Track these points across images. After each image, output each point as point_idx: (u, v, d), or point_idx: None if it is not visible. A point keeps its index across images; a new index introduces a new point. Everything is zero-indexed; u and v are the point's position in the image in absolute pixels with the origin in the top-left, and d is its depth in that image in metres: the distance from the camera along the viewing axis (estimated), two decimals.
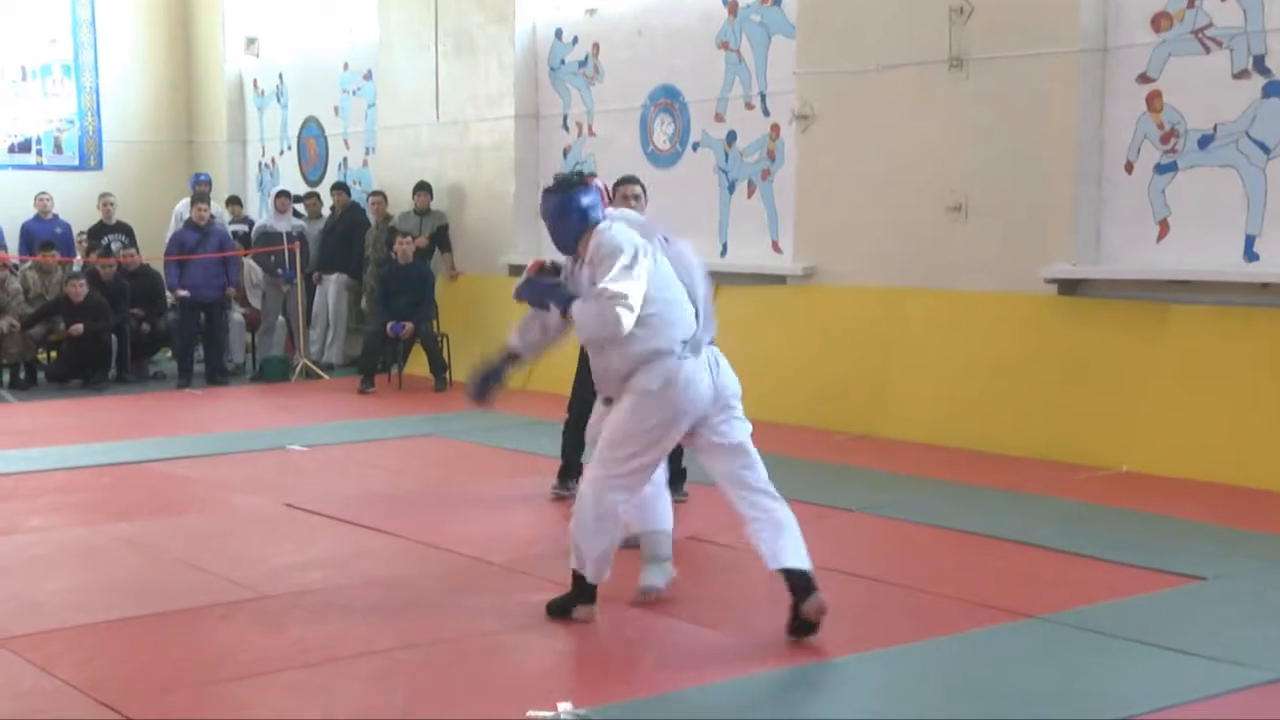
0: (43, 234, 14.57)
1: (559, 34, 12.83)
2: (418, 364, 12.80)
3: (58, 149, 16.57)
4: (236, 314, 14.19)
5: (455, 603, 5.74)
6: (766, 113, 11.04)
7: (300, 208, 14.90)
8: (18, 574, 6.27)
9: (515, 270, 13.15)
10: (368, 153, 15.24)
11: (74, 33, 16.66)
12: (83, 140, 16.72)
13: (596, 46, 12.48)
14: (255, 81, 17.00)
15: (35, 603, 5.75)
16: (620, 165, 12.24)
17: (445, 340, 12.60)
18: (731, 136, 11.34)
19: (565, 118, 12.85)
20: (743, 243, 11.31)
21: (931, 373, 9.51)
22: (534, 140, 13.11)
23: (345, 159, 15.62)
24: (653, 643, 5.14)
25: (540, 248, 13.11)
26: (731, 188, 11.38)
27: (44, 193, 15.15)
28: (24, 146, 16.37)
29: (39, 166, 16.33)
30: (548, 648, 5.15)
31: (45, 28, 16.46)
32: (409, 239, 12.79)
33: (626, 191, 7.36)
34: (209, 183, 15.35)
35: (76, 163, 16.63)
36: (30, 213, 15.08)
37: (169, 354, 14.09)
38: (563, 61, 12.83)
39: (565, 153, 12.85)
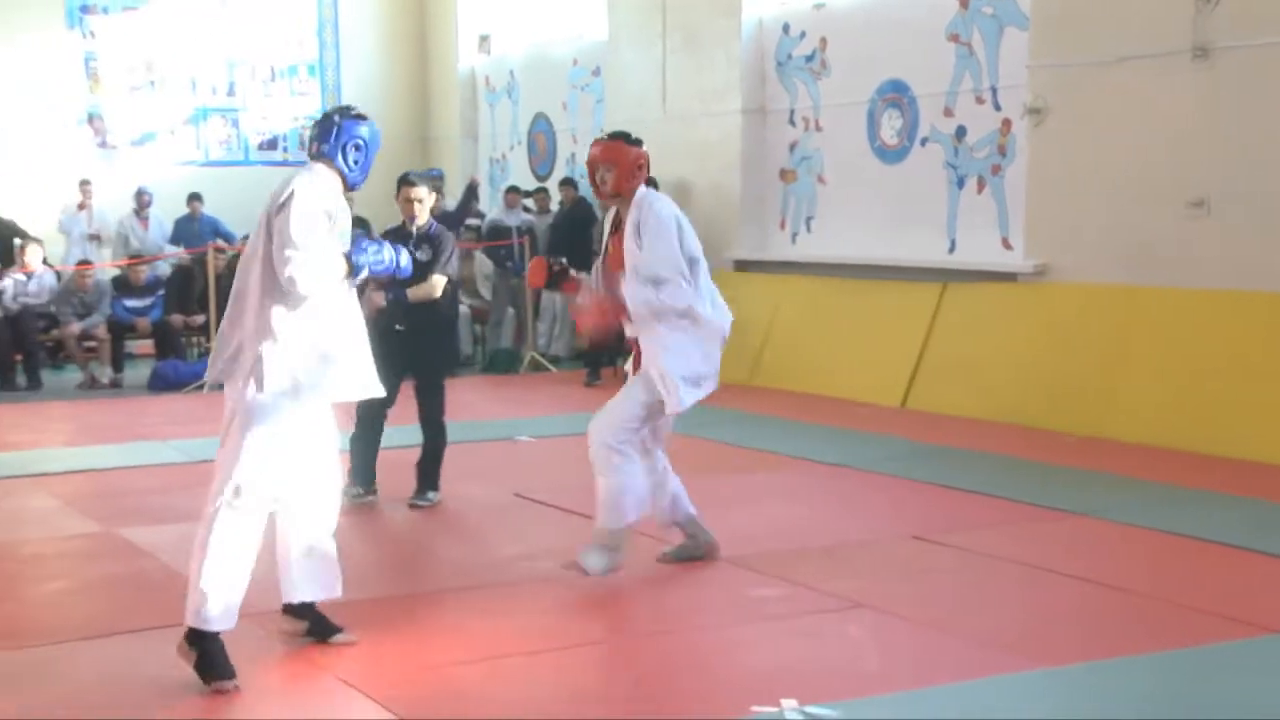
0: None
1: (786, 28, 12.78)
2: None
3: (302, 145, 17.25)
4: (463, 306, 14.53)
5: (678, 596, 5.79)
6: (998, 107, 10.80)
7: (530, 203, 15.19)
8: (263, 554, 6.53)
9: (740, 265, 13.18)
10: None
11: (319, 34, 17.32)
12: None
13: (824, 40, 12.40)
14: (487, 79, 17.38)
15: (277, 582, 5.99)
16: (846, 160, 12.19)
17: None
18: (961, 131, 11.13)
19: (791, 113, 12.80)
20: (971, 239, 11.10)
21: (1167, 374, 9.18)
22: (760, 135, 13.09)
23: (574, 154, 15.85)
24: (878, 642, 5.09)
25: (765, 244, 13.12)
26: (960, 183, 11.18)
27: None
28: (271, 144, 17.11)
29: (284, 163, 17.00)
30: (772, 644, 5.14)
31: (293, 30, 17.15)
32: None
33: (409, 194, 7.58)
34: (442, 178, 15.76)
35: None
36: None
37: None
38: (790, 56, 12.78)
39: (791, 148, 12.80)
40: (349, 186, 4.99)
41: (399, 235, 7.59)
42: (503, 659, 4.90)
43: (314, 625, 5.04)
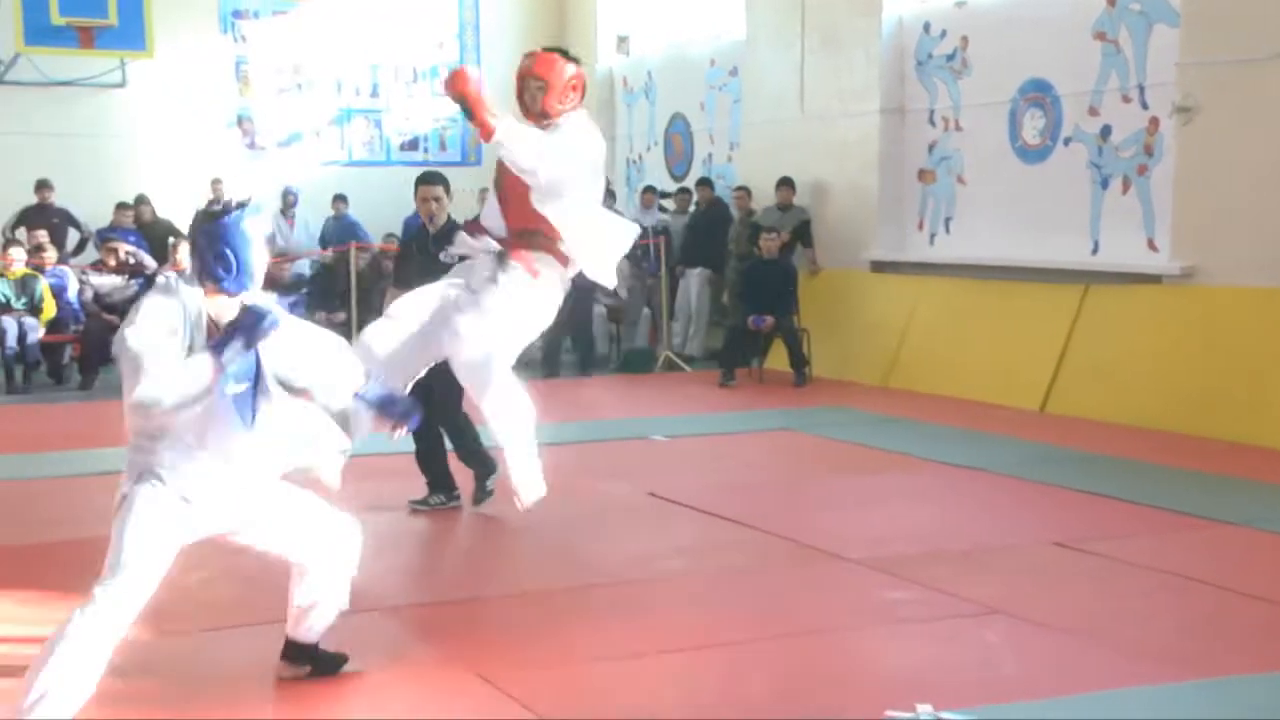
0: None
1: (927, 27, 12.65)
2: (778, 358, 12.88)
3: (442, 146, 17.52)
4: (599, 306, 14.63)
5: (812, 597, 5.77)
6: (1145, 105, 10.57)
7: (667, 203, 15.24)
8: (401, 547, 6.68)
9: (877, 266, 13.09)
10: (732, 148, 15.43)
11: (460, 36, 17.56)
12: (464, 138, 17.58)
13: (965, 39, 12.24)
14: (625, 79, 17.46)
15: (415, 575, 6.12)
16: (987, 161, 12.03)
17: (806, 335, 12.63)
18: (1106, 130, 10.92)
19: (931, 112, 12.66)
20: (1115, 241, 10.87)
21: None
22: (899, 135, 12.97)
23: (710, 154, 15.86)
24: (1015, 648, 5.03)
25: (903, 245, 13.00)
26: (1105, 184, 10.96)
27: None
28: (412, 144, 17.39)
29: (424, 163, 17.23)
30: (906, 648, 5.10)
31: (434, 32, 17.41)
32: (774, 234, 12.89)
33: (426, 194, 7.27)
34: None
35: (459, 159, 17.51)
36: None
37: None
38: (930, 55, 12.64)
39: (930, 148, 12.67)
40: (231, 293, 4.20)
41: (420, 236, 7.47)
42: (639, 657, 4.93)
43: (316, 666, 4.76)
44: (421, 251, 7.20)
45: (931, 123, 12.67)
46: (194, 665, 4.95)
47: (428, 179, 7.44)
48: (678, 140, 16.49)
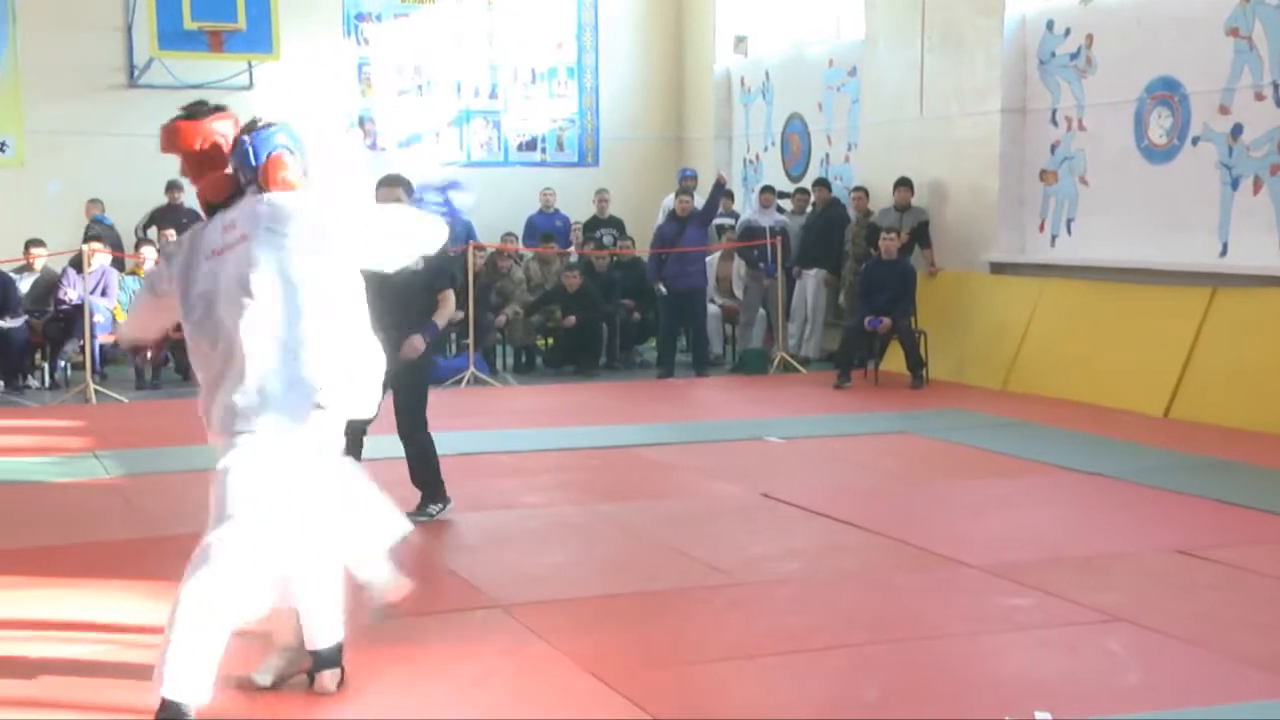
0: (544, 227, 15.67)
1: (1050, 25, 12.45)
2: (894, 360, 12.78)
3: (559, 147, 17.63)
4: (714, 306, 14.63)
5: (929, 602, 5.71)
6: (1279, 103, 10.31)
7: (785, 203, 15.19)
8: (517, 546, 6.73)
9: (996, 267, 12.92)
10: (849, 148, 15.33)
11: (578, 37, 17.66)
12: (581, 138, 17.68)
13: (1090, 37, 12.03)
14: (742, 79, 17.43)
15: (532, 574, 6.15)
16: (1111, 161, 11.82)
17: (923, 337, 12.51)
18: (1237, 130, 10.66)
19: (1054, 112, 12.46)
20: (1245, 242, 10.61)
21: None
22: (1019, 135, 12.78)
23: (827, 154, 15.77)
24: (1138, 659, 4.93)
25: (1023, 246, 12.82)
26: (1235, 184, 10.70)
27: (548, 188, 16.27)
28: (530, 145, 17.51)
29: (542, 164, 17.42)
30: (1025, 655, 5.03)
31: (553, 33, 17.53)
32: (894, 235, 12.78)
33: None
34: (695, 178, 15.90)
35: (575, 159, 17.62)
36: (535, 207, 16.22)
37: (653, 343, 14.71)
38: (1053, 54, 12.44)
39: (1053, 148, 12.47)
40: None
41: None
42: (754, 659, 4.92)
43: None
44: None
45: (1054, 122, 12.47)
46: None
47: (385, 181, 6.92)
48: (795, 140, 16.42)
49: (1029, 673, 4.84)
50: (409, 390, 7.04)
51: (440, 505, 7.20)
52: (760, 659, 4.93)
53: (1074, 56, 12.21)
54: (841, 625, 5.34)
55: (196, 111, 4.63)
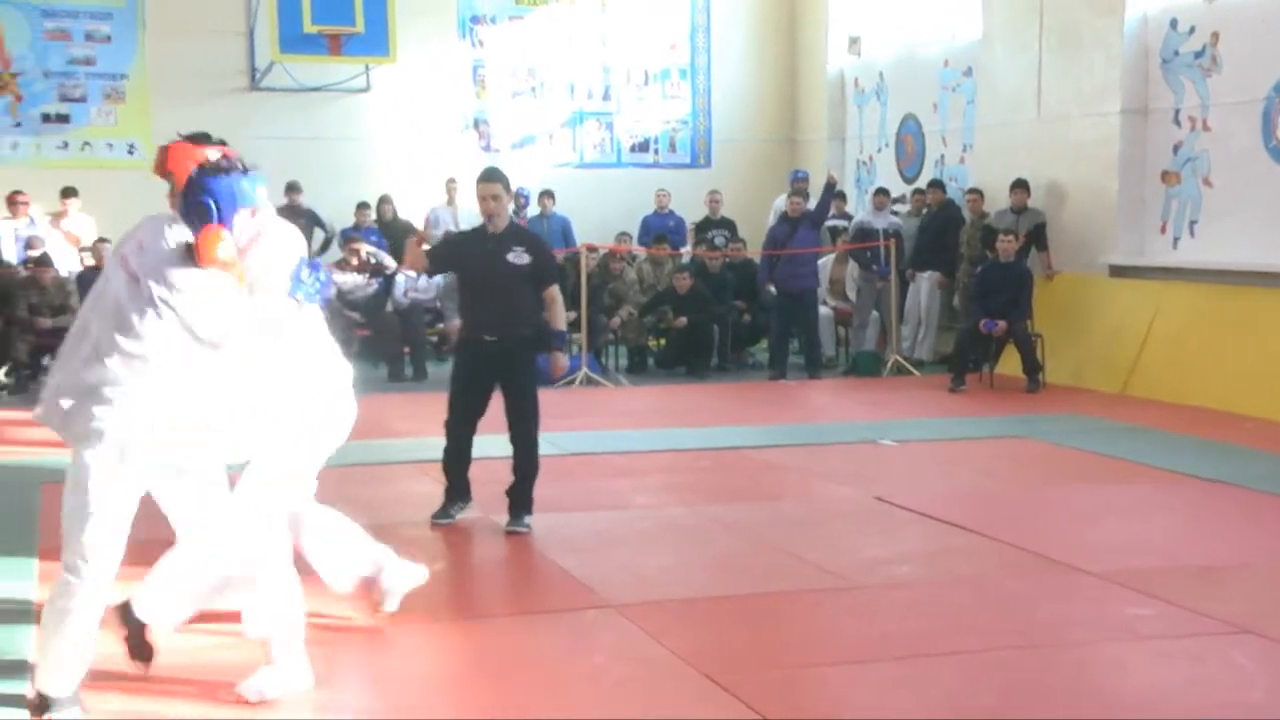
0: (659, 227, 15.68)
1: (1174, 24, 12.20)
2: (1009, 363, 12.61)
3: (672, 148, 17.64)
4: (826, 308, 14.54)
5: (1046, 609, 5.62)
6: None
7: (900, 206, 15.06)
8: (628, 546, 6.74)
9: (1116, 270, 12.69)
10: (965, 150, 15.16)
11: (691, 38, 17.66)
12: (694, 139, 17.68)
13: (1215, 35, 11.77)
14: (856, 80, 17.31)
15: (643, 574, 6.16)
16: (1236, 161, 11.55)
17: (1039, 340, 12.33)
18: None
19: (1177, 112, 12.20)
20: None
21: None
22: (1141, 136, 12.54)
23: (942, 156, 15.61)
24: (1265, 671, 4.81)
25: (1144, 249, 12.58)
26: None
27: (663, 189, 16.28)
28: (643, 146, 17.54)
29: (654, 165, 17.44)
30: (1147, 665, 4.93)
31: (666, 34, 17.55)
32: (1012, 237, 12.61)
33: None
34: (806, 179, 15.83)
35: (688, 161, 17.63)
36: (647, 208, 16.24)
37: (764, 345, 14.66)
38: (1176, 53, 12.19)
39: (1175, 149, 12.21)
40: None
41: (477, 238, 7.03)
42: (867, 663, 4.89)
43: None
44: (481, 252, 6.90)
45: (1176, 123, 12.21)
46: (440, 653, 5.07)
47: (485, 176, 6.97)
48: (909, 142, 16.27)
49: (1152, 683, 4.75)
50: (522, 395, 6.92)
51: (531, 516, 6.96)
52: (874, 664, 4.89)
53: (1198, 55, 11.95)
54: (957, 631, 5.28)
55: (195, 138, 4.63)
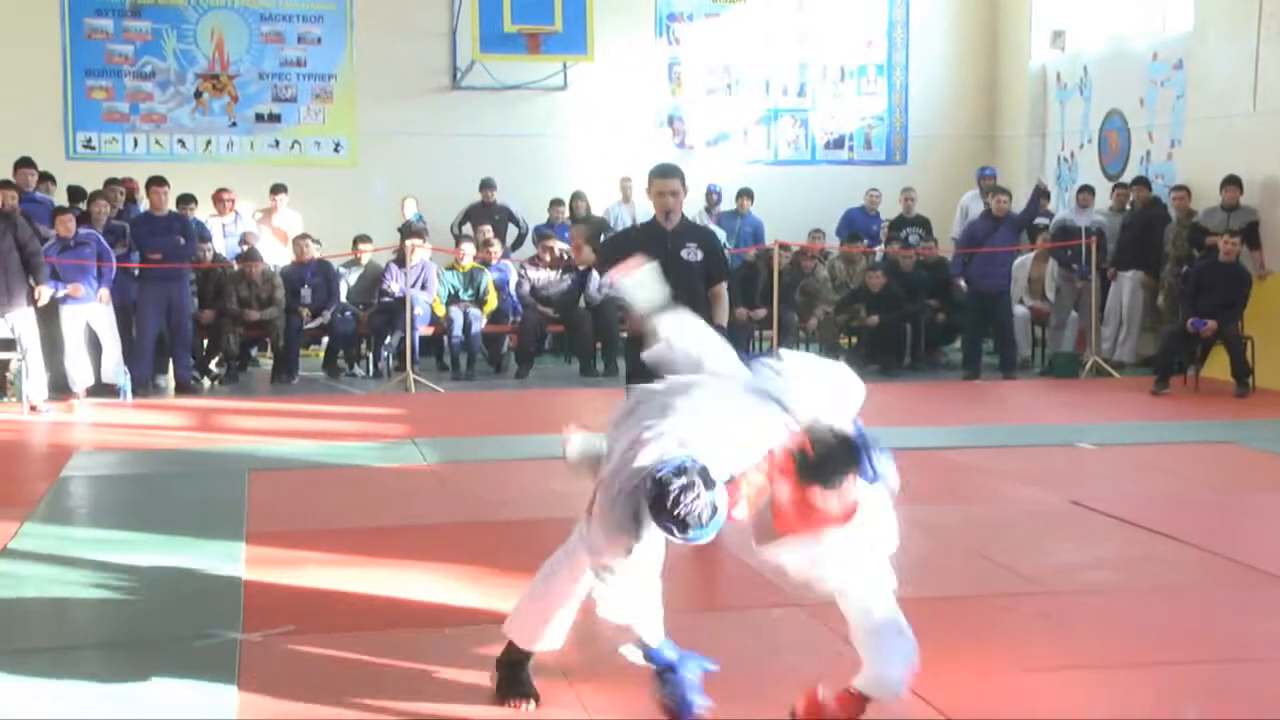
0: (863, 225, 15.53)
1: None
2: (1215, 366, 12.17)
3: (867, 145, 17.46)
4: (1022, 308, 14.23)
5: (1254, 621, 5.41)
6: None
7: (1101, 205, 14.67)
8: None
9: None
10: (1172, 145, 14.68)
11: (889, 34, 17.47)
12: (889, 136, 17.48)
13: None
14: (1058, 75, 16.90)
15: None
16: None
17: (1250, 343, 11.87)
18: None
19: None
20: None
21: None
22: None
23: (1148, 152, 15.14)
24: None
25: None
26: None
27: (874, 189, 16.02)
28: (837, 143, 17.41)
29: (849, 162, 17.30)
30: None
31: (863, 30, 17.39)
32: (1236, 238, 12.17)
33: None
34: (994, 177, 15.55)
35: (883, 158, 17.43)
36: (841, 205, 16.07)
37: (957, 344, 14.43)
38: None
39: None
40: None
41: (650, 234, 6.82)
42: (1061, 670, 4.77)
43: None
44: (657, 250, 6.89)
45: None
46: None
47: (660, 171, 6.89)
48: (1114, 137, 15.82)
49: None
50: None
51: None
52: (1069, 671, 4.77)
53: None
54: (1159, 641, 5.12)
55: None
